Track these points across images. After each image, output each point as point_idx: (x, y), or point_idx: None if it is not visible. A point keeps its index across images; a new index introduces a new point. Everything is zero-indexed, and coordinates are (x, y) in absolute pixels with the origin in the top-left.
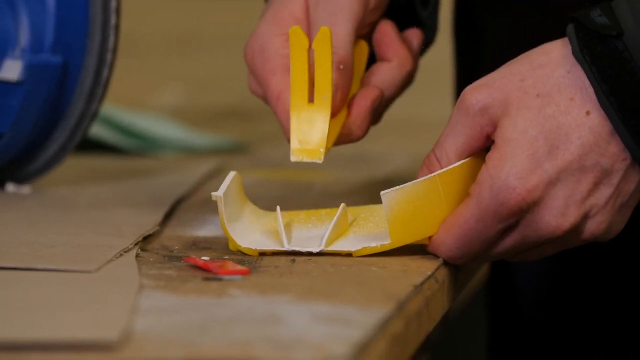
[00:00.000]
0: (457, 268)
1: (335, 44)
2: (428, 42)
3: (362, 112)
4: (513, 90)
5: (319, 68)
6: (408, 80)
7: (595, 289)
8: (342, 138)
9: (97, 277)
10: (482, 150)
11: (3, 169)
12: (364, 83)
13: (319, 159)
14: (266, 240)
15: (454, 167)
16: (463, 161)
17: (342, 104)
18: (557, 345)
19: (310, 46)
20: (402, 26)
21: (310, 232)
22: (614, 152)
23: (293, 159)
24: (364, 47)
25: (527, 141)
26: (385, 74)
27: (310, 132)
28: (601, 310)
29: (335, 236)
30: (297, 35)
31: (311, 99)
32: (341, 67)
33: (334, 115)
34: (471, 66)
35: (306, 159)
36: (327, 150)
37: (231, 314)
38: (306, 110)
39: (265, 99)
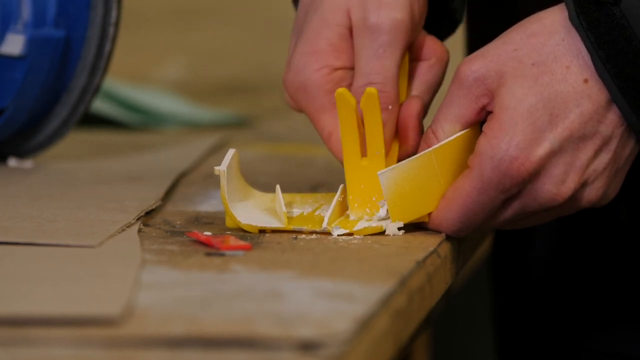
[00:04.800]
0: (459, 243)
1: (382, 80)
2: (450, 32)
3: (413, 135)
4: (507, 59)
5: (369, 128)
6: (445, 73)
7: (606, 261)
8: (400, 159)
9: (99, 251)
10: (476, 123)
11: (5, 143)
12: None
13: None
14: (265, 218)
15: (448, 141)
16: (457, 134)
17: (392, 137)
18: (563, 317)
19: (357, 106)
20: (429, 17)
21: (307, 212)
22: (612, 118)
23: (352, 216)
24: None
25: (525, 109)
26: (426, 74)
27: (366, 190)
28: (609, 282)
29: (336, 215)
30: (343, 96)
31: (363, 154)
32: (389, 107)
33: (387, 152)
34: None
35: (366, 217)
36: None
37: (233, 289)
38: (360, 169)
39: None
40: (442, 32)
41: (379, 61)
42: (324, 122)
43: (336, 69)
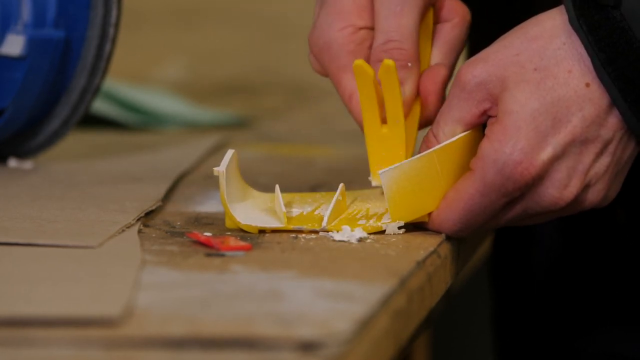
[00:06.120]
0: (459, 243)
1: (400, 37)
2: None
3: (435, 100)
4: (509, 64)
5: (388, 98)
6: (467, 33)
7: (605, 261)
8: (421, 125)
9: (99, 252)
10: (478, 126)
11: (5, 144)
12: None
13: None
14: (265, 218)
15: (450, 142)
16: (459, 135)
17: (412, 97)
18: (562, 317)
19: (375, 74)
20: None
21: (307, 212)
22: (613, 122)
23: (374, 183)
24: (429, 14)
25: (528, 114)
26: (448, 35)
27: (387, 157)
28: (608, 283)
29: (336, 215)
30: (361, 68)
31: (383, 121)
32: (409, 64)
33: (406, 113)
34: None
35: None
36: None
37: (233, 289)
38: (380, 137)
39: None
40: None
41: (396, 19)
42: (345, 82)
43: (360, 29)
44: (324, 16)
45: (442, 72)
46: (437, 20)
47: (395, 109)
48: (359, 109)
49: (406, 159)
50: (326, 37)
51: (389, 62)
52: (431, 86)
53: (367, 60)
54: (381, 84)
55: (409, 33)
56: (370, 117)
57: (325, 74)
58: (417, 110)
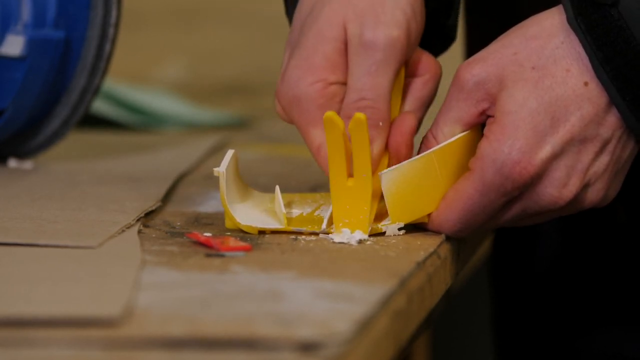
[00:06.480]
0: (459, 244)
1: (374, 96)
2: (444, 49)
3: (405, 151)
4: (507, 64)
5: (357, 152)
6: (437, 89)
7: (605, 261)
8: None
9: (100, 252)
10: (476, 125)
11: (5, 144)
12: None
13: (364, 232)
14: (265, 219)
15: (448, 143)
16: (458, 136)
17: (381, 155)
18: (562, 317)
19: (345, 128)
20: (424, 33)
21: (306, 213)
22: (612, 121)
23: (337, 239)
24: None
25: (527, 113)
26: (420, 91)
27: (351, 210)
28: (608, 282)
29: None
30: (332, 120)
31: (350, 174)
32: (380, 124)
33: (374, 170)
34: (483, 41)
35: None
36: (370, 223)
37: (233, 289)
38: (346, 190)
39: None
40: (436, 48)
41: (371, 78)
42: (314, 135)
43: (330, 84)
44: (293, 69)
45: (411, 123)
46: (410, 75)
47: (363, 163)
48: (326, 161)
49: (370, 213)
50: (296, 90)
51: (360, 115)
52: (400, 137)
53: (338, 115)
54: (350, 137)
55: (383, 93)
56: (336, 170)
57: (291, 122)
58: (384, 164)
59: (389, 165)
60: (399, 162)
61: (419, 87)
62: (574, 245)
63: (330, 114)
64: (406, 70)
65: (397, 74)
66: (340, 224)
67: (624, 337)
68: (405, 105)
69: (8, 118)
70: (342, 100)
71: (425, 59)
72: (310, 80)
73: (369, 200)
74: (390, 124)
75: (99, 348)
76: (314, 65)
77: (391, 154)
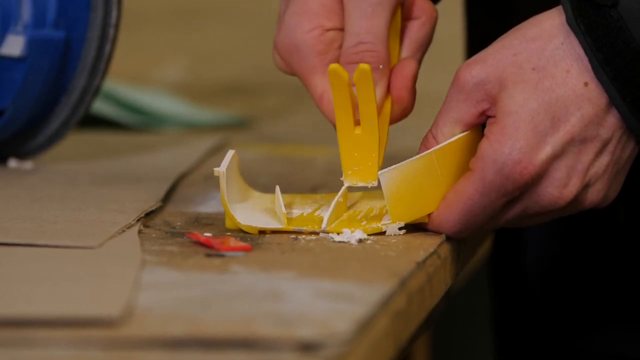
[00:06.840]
0: (459, 244)
1: (372, 39)
2: None
3: (407, 95)
4: (507, 65)
5: (362, 100)
6: (434, 31)
7: (605, 261)
8: (393, 120)
9: (100, 252)
10: (476, 126)
11: (5, 144)
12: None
13: (373, 181)
14: (265, 219)
15: (449, 143)
16: (458, 136)
17: (384, 98)
18: (562, 317)
19: (350, 78)
20: None
21: (307, 213)
22: (612, 121)
23: (346, 183)
24: (397, 12)
25: (527, 114)
26: (417, 33)
27: (360, 158)
28: (608, 282)
29: (336, 216)
30: (336, 72)
31: (356, 123)
32: (380, 66)
33: (378, 114)
34: (483, 40)
35: (360, 183)
36: (378, 169)
37: (233, 289)
38: (354, 138)
39: (298, 77)
40: None
41: (368, 21)
42: (315, 83)
43: (328, 30)
44: (291, 17)
45: (412, 67)
46: (405, 18)
47: (369, 111)
48: (330, 108)
49: (379, 158)
50: (294, 38)
51: (364, 66)
52: (402, 82)
53: (337, 61)
54: (356, 87)
55: (381, 35)
56: (343, 120)
57: (291, 73)
58: (387, 109)
59: (392, 110)
60: (402, 107)
61: (415, 30)
62: (574, 245)
63: (334, 66)
64: (402, 13)
65: (393, 16)
66: (350, 172)
67: (624, 337)
68: (403, 48)
69: (8, 118)
70: (340, 46)
71: (420, 1)
72: (308, 28)
73: (376, 147)
74: (391, 69)
75: (99, 348)
76: (310, 13)
77: (394, 99)
